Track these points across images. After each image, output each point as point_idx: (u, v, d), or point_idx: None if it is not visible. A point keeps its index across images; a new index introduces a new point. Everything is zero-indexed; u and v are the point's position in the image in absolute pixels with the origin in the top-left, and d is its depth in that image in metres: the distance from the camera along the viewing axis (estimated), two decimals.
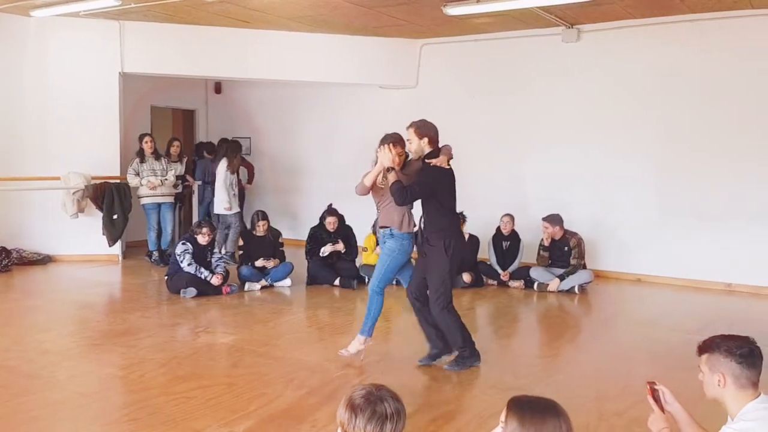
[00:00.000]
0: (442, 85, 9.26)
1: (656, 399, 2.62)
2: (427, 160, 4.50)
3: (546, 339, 5.89)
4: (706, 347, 2.47)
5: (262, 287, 7.23)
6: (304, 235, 7.93)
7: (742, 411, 2.37)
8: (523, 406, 1.87)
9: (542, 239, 7.64)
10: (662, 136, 7.90)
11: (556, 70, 8.47)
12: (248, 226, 7.93)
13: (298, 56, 9.03)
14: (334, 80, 9.53)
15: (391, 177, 4.44)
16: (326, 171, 10.31)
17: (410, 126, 4.58)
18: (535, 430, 1.80)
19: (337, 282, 7.43)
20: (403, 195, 4.38)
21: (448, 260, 4.50)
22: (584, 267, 7.49)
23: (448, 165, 4.55)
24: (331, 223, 7.58)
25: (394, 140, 4.56)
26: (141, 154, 8.49)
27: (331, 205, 7.79)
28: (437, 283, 4.54)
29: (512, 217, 7.78)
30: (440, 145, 4.58)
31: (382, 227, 4.73)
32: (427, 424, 3.69)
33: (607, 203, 8.25)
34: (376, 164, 4.59)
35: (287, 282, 7.43)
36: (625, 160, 8.12)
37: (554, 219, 7.49)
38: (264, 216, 7.48)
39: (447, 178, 4.55)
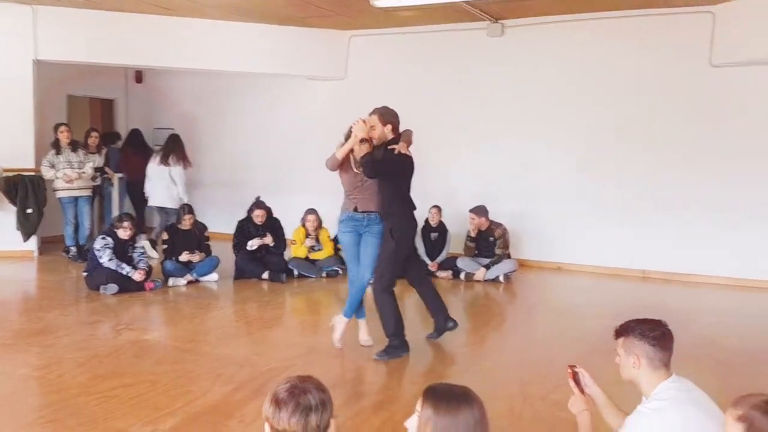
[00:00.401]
0: (372, 77, 9.26)
1: (576, 382, 2.72)
2: (389, 147, 4.57)
3: (473, 327, 6.01)
4: (622, 331, 2.57)
5: (188, 282, 7.05)
6: (226, 229, 7.79)
7: (655, 391, 2.49)
8: (438, 395, 1.90)
9: (469, 230, 7.79)
10: (582, 130, 8.19)
11: (481, 64, 8.64)
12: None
13: (223, 45, 8.84)
14: (260, 71, 9.38)
15: (363, 148, 4.49)
16: (255, 163, 10.16)
17: (373, 113, 4.64)
18: (450, 418, 1.84)
19: (265, 275, 7.34)
20: (371, 167, 4.45)
21: (395, 244, 4.59)
22: (509, 257, 7.70)
23: (408, 151, 4.64)
24: (258, 216, 7.47)
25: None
26: (56, 146, 8.10)
27: (258, 197, 7.68)
28: (383, 264, 4.63)
29: (440, 209, 7.89)
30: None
31: (365, 212, 4.69)
32: (356, 413, 3.71)
33: (530, 195, 8.49)
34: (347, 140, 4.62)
35: (213, 276, 7.28)
36: (548, 153, 8.37)
37: (480, 210, 7.66)
38: (190, 210, 7.31)
39: (407, 166, 4.64)
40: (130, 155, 9.53)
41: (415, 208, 4.83)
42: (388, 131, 4.60)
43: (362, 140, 4.50)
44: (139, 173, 8.71)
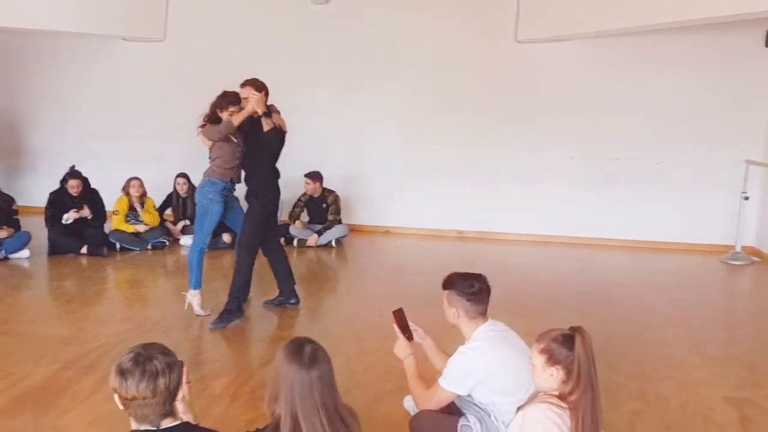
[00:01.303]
0: (193, 41, 8.91)
1: (401, 327, 2.97)
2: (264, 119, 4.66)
3: (308, 291, 6.17)
4: (446, 284, 2.87)
5: None
6: (37, 202, 7.21)
7: (474, 334, 2.84)
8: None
9: (300, 196, 7.90)
10: (401, 98, 8.62)
11: (305, 32, 8.69)
12: None
13: (24, 0, 8.00)
14: (67, 29, 8.57)
15: (267, 124, 4.63)
16: (66, 131, 9.40)
17: (246, 84, 4.69)
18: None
19: (84, 250, 6.92)
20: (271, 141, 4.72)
21: (260, 207, 4.81)
22: (340, 222, 7.95)
23: (282, 121, 4.82)
24: (74, 186, 6.99)
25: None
26: None
27: (73, 166, 7.17)
28: (247, 226, 4.86)
29: None
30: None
31: (235, 183, 4.90)
32: (197, 381, 3.70)
33: (357, 162, 8.80)
34: (227, 111, 4.68)
35: (25, 253, 6.71)
36: (371, 121, 8.72)
37: (315, 175, 7.81)
38: None
39: (282, 136, 4.82)
40: None
41: (279, 177, 4.97)
42: (266, 99, 4.72)
43: (264, 114, 4.63)
44: None
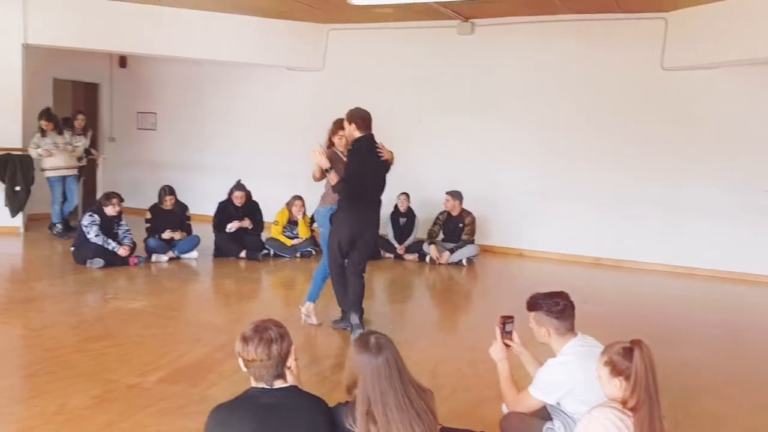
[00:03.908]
0: (348, 70, 9.72)
1: (502, 332, 3.19)
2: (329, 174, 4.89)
3: (433, 303, 6.55)
4: (532, 305, 3.04)
5: (169, 259, 7.49)
6: (206, 210, 8.19)
7: (563, 349, 3.01)
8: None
9: (438, 215, 8.31)
10: (543, 125, 8.75)
11: (451, 60, 9.14)
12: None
13: (205, 35, 9.23)
14: (241, 60, 9.79)
15: (332, 177, 4.82)
16: (232, 149, 10.57)
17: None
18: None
19: (242, 254, 7.80)
20: (343, 189, 4.85)
21: (332, 229, 5.03)
22: (473, 242, 8.24)
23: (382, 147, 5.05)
24: (239, 197, 7.92)
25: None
26: (41, 129, 8.44)
27: (239, 181, 8.12)
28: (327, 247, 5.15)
29: (408, 196, 8.41)
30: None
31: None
32: (315, 373, 4.20)
33: (494, 185, 9.04)
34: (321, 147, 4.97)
35: (194, 254, 7.72)
36: (511, 145, 8.93)
37: (456, 194, 8.20)
38: (171, 191, 7.69)
39: (371, 164, 4.96)
40: None
41: (372, 206, 5.03)
42: (353, 129, 4.91)
43: (326, 170, 4.84)
44: None
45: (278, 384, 2.33)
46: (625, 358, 2.38)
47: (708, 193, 8.04)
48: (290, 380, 2.49)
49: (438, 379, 4.14)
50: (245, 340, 2.32)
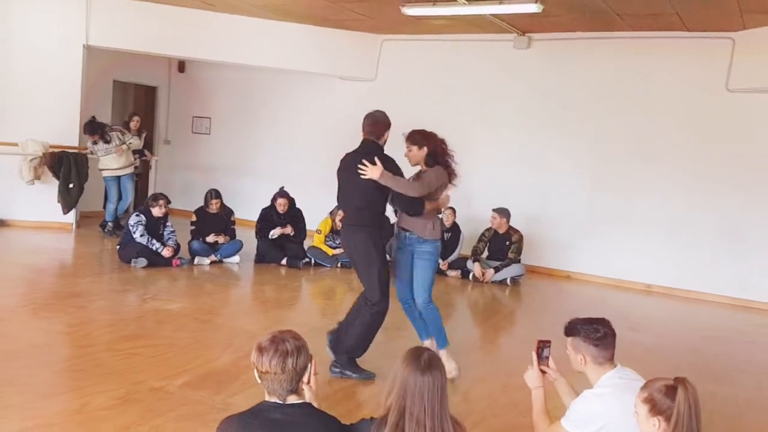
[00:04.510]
0: (400, 81, 9.65)
1: (539, 357, 3.00)
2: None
3: (474, 322, 6.36)
4: (570, 331, 2.85)
5: (212, 262, 7.53)
6: (253, 216, 8.23)
7: (600, 380, 2.81)
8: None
9: (484, 231, 8.11)
10: (597, 144, 8.47)
11: (505, 74, 8.96)
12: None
13: (261, 42, 9.32)
14: (295, 68, 9.83)
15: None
16: (280, 155, 10.62)
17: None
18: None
19: (284, 261, 7.78)
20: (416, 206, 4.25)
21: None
22: (519, 262, 8.00)
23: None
24: (281, 204, 7.91)
25: (409, 138, 4.33)
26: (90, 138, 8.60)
27: (282, 187, 8.12)
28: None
29: (454, 211, 8.23)
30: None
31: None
32: (348, 386, 4.09)
33: (543, 204, 8.78)
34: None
35: (236, 258, 7.74)
36: (563, 163, 8.66)
37: (503, 211, 7.99)
38: (217, 195, 7.75)
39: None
40: None
41: (346, 224, 4.45)
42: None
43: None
44: None
45: (291, 400, 2.23)
46: (668, 396, 2.18)
47: None
48: (307, 397, 2.38)
49: (469, 403, 3.97)
50: (261, 350, 2.22)
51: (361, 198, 4.24)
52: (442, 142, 4.41)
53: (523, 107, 8.88)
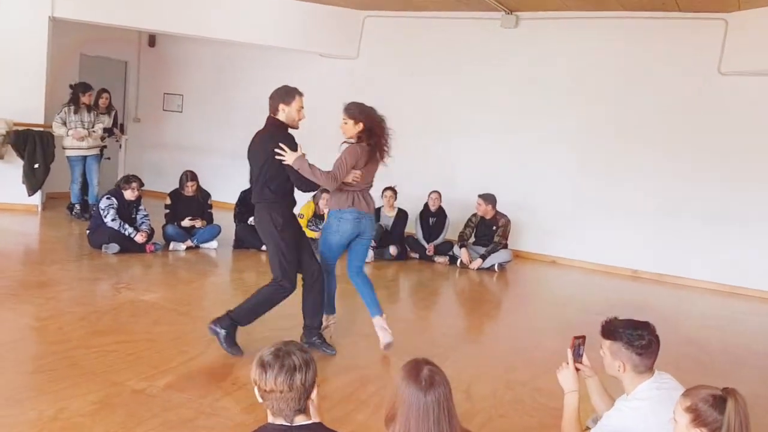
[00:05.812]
0: (383, 59, 9.32)
1: (575, 355, 2.74)
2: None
3: (464, 311, 6.15)
4: (610, 333, 2.60)
5: (188, 248, 7.18)
6: (231, 198, 7.89)
7: (636, 390, 2.57)
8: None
9: (471, 216, 7.89)
10: (584, 127, 8.29)
11: (492, 54, 8.70)
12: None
13: (237, 16, 8.90)
14: (273, 44, 9.41)
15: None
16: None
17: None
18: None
19: (264, 247, 7.44)
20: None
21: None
22: (505, 247, 7.81)
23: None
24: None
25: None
26: (76, 103, 8.15)
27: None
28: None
29: (440, 194, 8.00)
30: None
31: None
32: (347, 384, 3.85)
33: (529, 188, 8.59)
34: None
35: (213, 244, 7.40)
36: (549, 147, 8.47)
37: (488, 198, 7.74)
38: (193, 176, 7.37)
39: None
40: None
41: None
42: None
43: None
44: None
45: (299, 420, 1.97)
46: (715, 408, 1.98)
47: (762, 206, 7.52)
48: (314, 415, 2.12)
49: (473, 402, 3.75)
50: (263, 366, 1.94)
51: (260, 174, 4.28)
52: (381, 120, 4.38)
53: (509, 88, 8.64)
